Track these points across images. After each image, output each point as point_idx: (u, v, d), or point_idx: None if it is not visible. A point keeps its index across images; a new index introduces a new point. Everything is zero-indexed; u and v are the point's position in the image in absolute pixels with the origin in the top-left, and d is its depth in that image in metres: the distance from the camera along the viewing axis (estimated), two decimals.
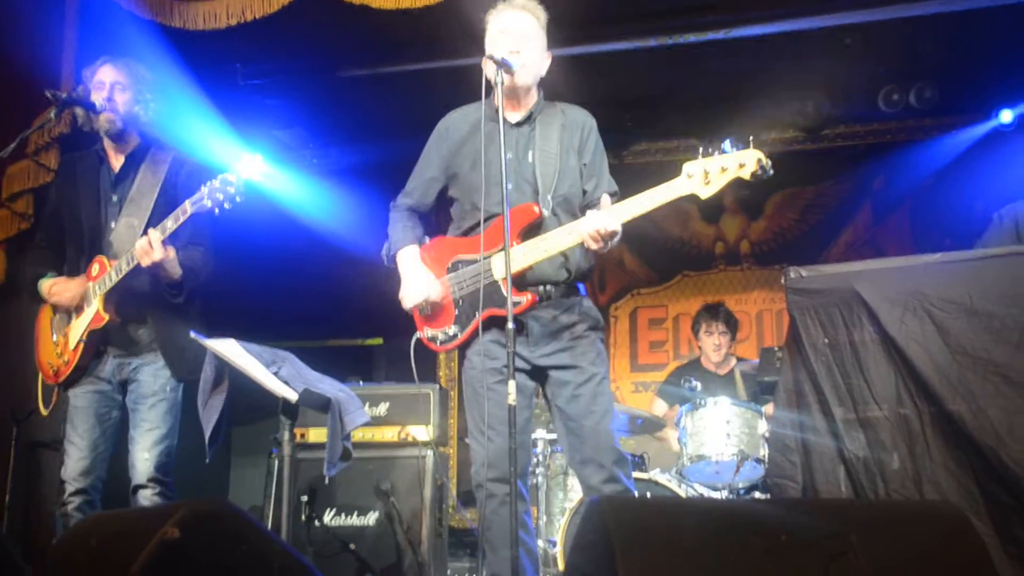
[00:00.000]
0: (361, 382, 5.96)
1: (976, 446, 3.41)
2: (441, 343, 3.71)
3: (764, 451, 5.22)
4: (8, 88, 5.51)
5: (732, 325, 6.56)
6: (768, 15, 6.33)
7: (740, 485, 5.41)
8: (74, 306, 4.21)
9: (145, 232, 4.01)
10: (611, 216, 3.36)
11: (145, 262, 3.94)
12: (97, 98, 4.19)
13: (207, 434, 4.01)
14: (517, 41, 3.59)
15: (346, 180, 7.80)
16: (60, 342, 4.24)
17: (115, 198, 4.25)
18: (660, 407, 6.50)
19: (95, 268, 4.16)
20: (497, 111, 3.50)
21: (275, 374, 3.88)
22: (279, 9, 5.38)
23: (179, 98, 5.62)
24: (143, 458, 4.06)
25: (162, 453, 4.09)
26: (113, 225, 4.21)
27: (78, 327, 4.17)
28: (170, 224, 3.95)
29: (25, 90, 5.29)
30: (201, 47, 5.70)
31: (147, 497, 4.04)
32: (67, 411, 4.18)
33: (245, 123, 6.96)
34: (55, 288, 4.23)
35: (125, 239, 4.12)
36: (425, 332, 3.75)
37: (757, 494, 5.37)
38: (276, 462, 5.05)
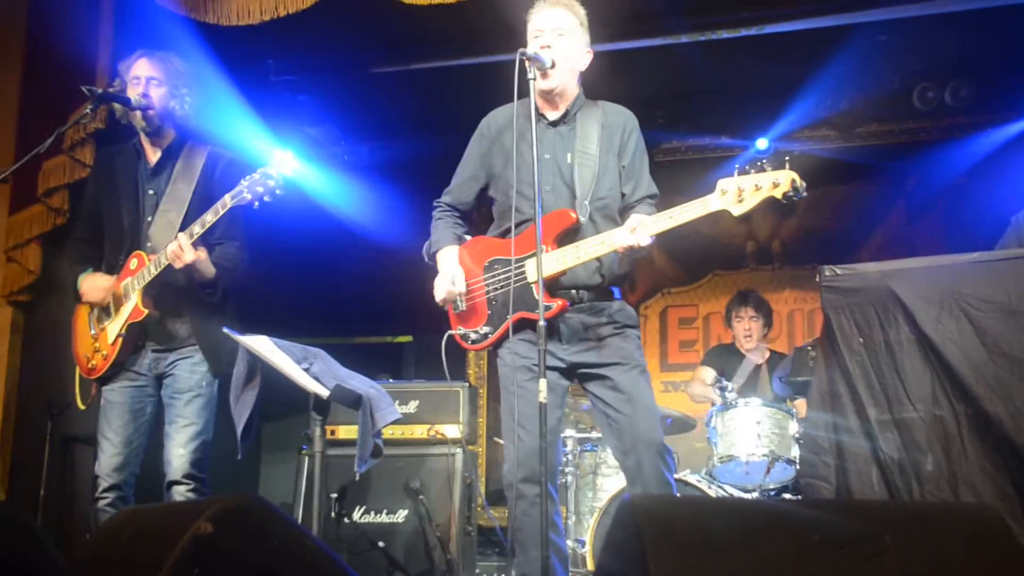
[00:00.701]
0: (391, 379, 5.98)
1: (1013, 448, 3.37)
2: (473, 342, 3.71)
3: (795, 452, 5.19)
4: (45, 83, 5.56)
5: (763, 310, 6.50)
6: (802, 11, 6.30)
7: (771, 486, 5.38)
8: (105, 303, 4.25)
9: (183, 228, 4.05)
10: (644, 231, 3.36)
11: (177, 265, 3.98)
12: (133, 93, 4.21)
13: (239, 430, 4.02)
14: (550, 36, 3.58)
15: (377, 177, 7.83)
16: (99, 336, 4.26)
17: (151, 192, 4.27)
18: (708, 374, 6.38)
19: (133, 262, 4.19)
20: (537, 111, 3.50)
21: (306, 370, 3.89)
22: (312, 5, 5.39)
23: (212, 93, 5.66)
24: (178, 454, 4.07)
25: (197, 449, 4.11)
26: (150, 219, 4.24)
27: (117, 321, 4.20)
28: (209, 218, 3.97)
29: (62, 85, 5.34)
30: (233, 43, 5.73)
31: (181, 493, 4.06)
32: (102, 406, 4.21)
33: (276, 119, 6.99)
34: (85, 285, 4.27)
35: (163, 233, 4.16)
36: (458, 330, 3.75)
37: (787, 495, 5.34)
38: (306, 459, 5.07)
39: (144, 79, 4.24)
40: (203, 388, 4.17)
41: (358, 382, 4.01)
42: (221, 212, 3.95)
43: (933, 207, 7.68)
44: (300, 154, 7.64)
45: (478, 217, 4.06)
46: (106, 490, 4.08)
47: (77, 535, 5.20)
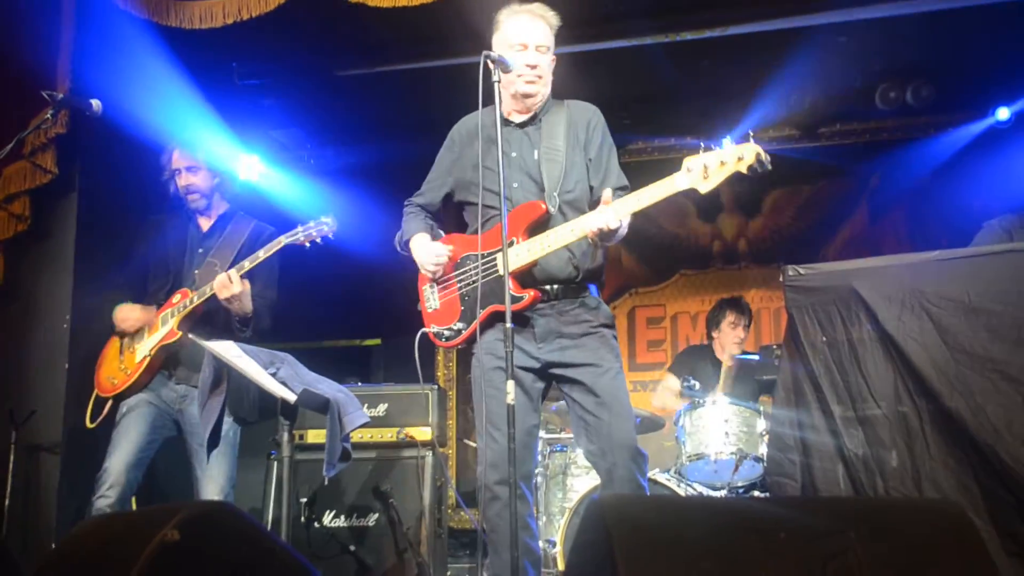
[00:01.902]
0: (359, 383, 5.96)
1: (975, 443, 3.41)
2: (446, 339, 3.72)
3: (763, 450, 5.23)
4: (4, 88, 5.50)
5: (751, 323, 6.56)
6: (764, 13, 6.34)
7: (739, 484, 5.41)
8: (136, 330, 4.46)
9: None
10: (613, 212, 3.36)
11: (223, 294, 4.24)
12: (179, 186, 4.60)
13: (206, 436, 4.03)
14: (534, 55, 3.61)
15: (343, 180, 7.80)
16: (126, 358, 4.44)
17: (201, 250, 4.57)
18: (675, 383, 6.40)
19: (176, 297, 4.44)
20: (502, 113, 3.52)
21: (273, 375, 3.88)
22: (275, 8, 5.37)
23: (175, 98, 5.63)
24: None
25: (230, 495, 4.35)
26: (197, 271, 4.50)
27: (148, 342, 4.40)
28: (261, 254, 4.28)
29: (21, 90, 5.29)
30: (197, 47, 5.69)
31: None
32: (124, 412, 4.37)
33: (241, 123, 6.95)
34: (120, 314, 4.49)
35: (207, 279, 4.39)
36: (431, 328, 3.75)
37: (756, 493, 5.38)
38: (275, 464, 5.05)
39: (183, 169, 4.59)
40: (231, 438, 4.34)
41: (326, 386, 4.00)
42: (274, 249, 4.29)
43: (896, 206, 7.77)
44: (265, 158, 7.61)
45: (446, 218, 4.07)
46: (110, 488, 4.16)
47: (42, 544, 5.14)
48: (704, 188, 3.28)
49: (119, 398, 4.39)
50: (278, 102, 7.34)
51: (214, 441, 4.09)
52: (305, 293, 7.84)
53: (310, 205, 7.69)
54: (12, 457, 5.12)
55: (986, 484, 3.40)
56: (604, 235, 3.40)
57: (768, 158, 3.21)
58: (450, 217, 4.05)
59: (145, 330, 4.45)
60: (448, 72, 6.39)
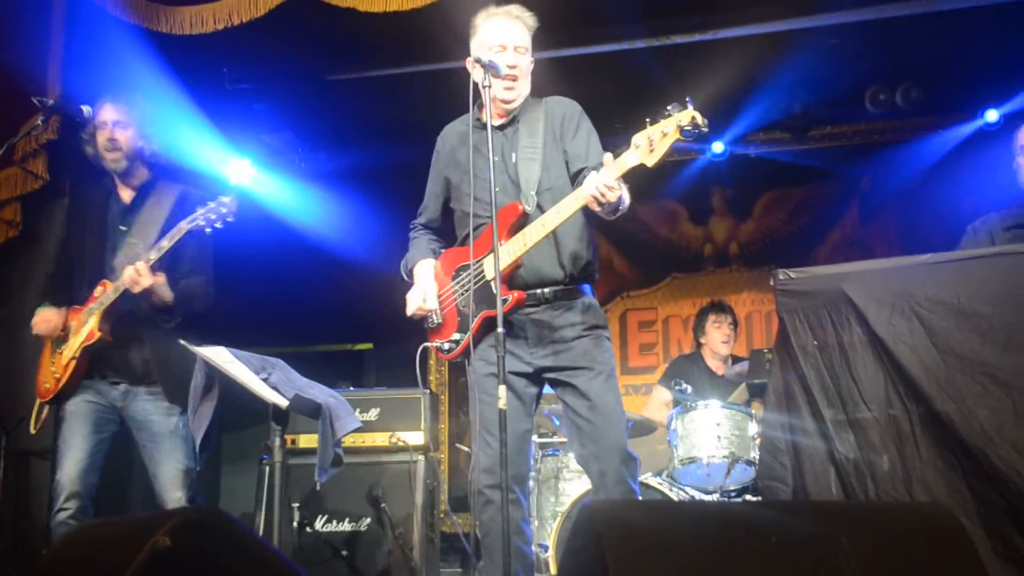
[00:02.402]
0: (351, 387, 5.96)
1: (965, 446, 3.41)
2: (448, 351, 3.72)
3: (755, 453, 5.23)
4: None
5: (736, 321, 6.58)
6: (754, 16, 6.36)
7: (731, 487, 5.41)
8: (55, 335, 4.28)
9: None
10: (600, 177, 3.31)
11: (135, 289, 4.04)
12: (101, 138, 4.28)
13: (198, 441, 4.03)
14: (512, 56, 3.61)
15: (334, 184, 7.81)
16: (56, 360, 4.27)
17: (123, 228, 4.33)
18: (666, 395, 6.41)
19: (98, 290, 4.23)
20: (482, 119, 3.52)
21: (265, 380, 3.87)
22: (266, 13, 5.38)
23: (166, 103, 5.62)
24: (176, 497, 4.12)
25: (190, 486, 4.18)
26: (119, 253, 4.28)
27: (72, 345, 4.21)
28: (165, 243, 4.05)
29: (11, 96, 5.28)
30: (188, 52, 5.70)
31: None
32: (63, 418, 4.21)
33: (233, 128, 6.96)
34: (36, 319, 4.30)
35: (129, 261, 4.17)
36: (434, 343, 3.76)
37: (748, 496, 5.38)
38: (267, 469, 5.04)
39: (110, 123, 4.29)
40: (181, 429, 4.20)
41: (317, 391, 4.00)
42: (176, 237, 4.04)
43: (886, 208, 7.80)
44: (257, 162, 7.61)
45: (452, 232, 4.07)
46: (68, 499, 4.05)
47: (33, 551, 5.13)
48: (651, 161, 3.28)
49: (55, 402, 4.23)
50: (269, 106, 7.34)
51: (206, 446, 4.07)
52: (296, 297, 7.86)
53: (301, 209, 7.71)
54: (2, 462, 5.11)
55: (976, 487, 3.41)
56: (604, 195, 3.30)
57: (705, 122, 3.22)
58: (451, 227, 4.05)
59: (71, 328, 4.25)
60: (439, 76, 6.40)
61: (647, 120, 3.29)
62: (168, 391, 4.18)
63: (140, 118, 4.35)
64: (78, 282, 4.34)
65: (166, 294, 4.15)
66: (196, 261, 4.30)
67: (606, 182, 3.28)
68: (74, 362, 4.18)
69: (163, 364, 4.20)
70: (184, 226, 4.03)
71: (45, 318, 4.28)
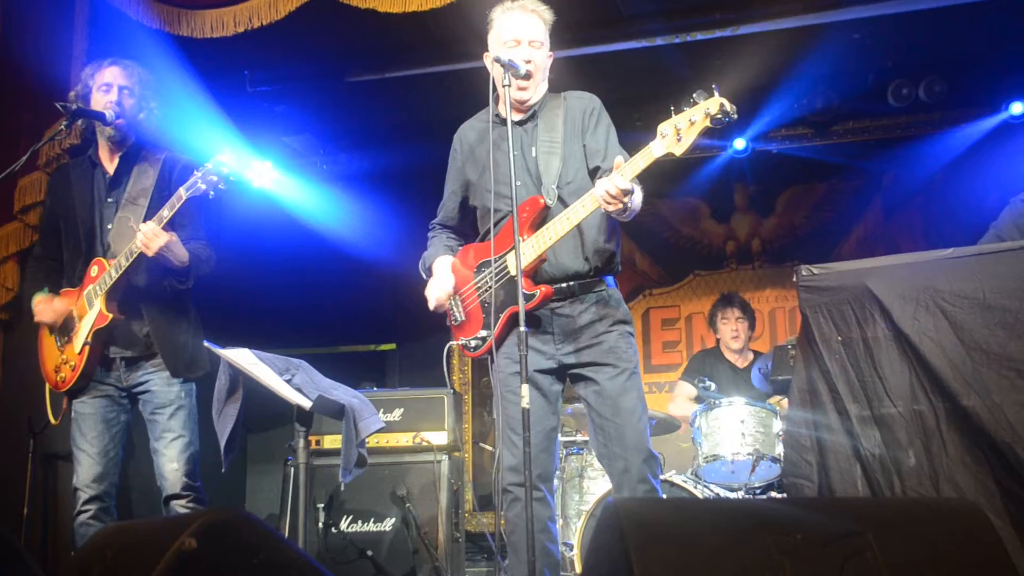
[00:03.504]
0: (375, 388, 5.97)
1: (992, 441, 3.39)
2: (474, 349, 3.71)
3: (779, 450, 5.21)
4: (19, 100, 5.54)
5: (748, 312, 6.55)
6: (776, 11, 6.33)
7: (756, 485, 5.40)
8: (58, 324, 4.23)
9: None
10: (619, 175, 3.29)
11: (150, 251, 3.93)
12: (102, 99, 4.21)
13: (223, 443, 4.02)
14: (527, 50, 3.61)
15: (357, 185, 7.83)
16: (64, 348, 4.23)
17: (110, 200, 4.27)
18: (690, 390, 6.40)
19: (94, 270, 4.17)
20: (500, 114, 3.52)
21: (289, 382, 3.89)
22: (286, 16, 5.39)
23: (188, 106, 5.65)
24: (172, 468, 4.08)
25: (190, 460, 4.13)
26: (110, 226, 4.23)
27: (82, 330, 4.16)
28: (166, 212, 3.97)
29: (35, 102, 5.32)
30: (209, 55, 5.73)
31: (182, 506, 4.06)
32: (73, 419, 4.20)
33: (254, 130, 7.00)
34: (37, 308, 4.26)
35: (123, 238, 4.14)
36: (459, 341, 3.77)
37: (773, 493, 5.36)
38: (292, 470, 5.06)
39: (116, 87, 4.23)
40: (183, 399, 4.17)
41: (341, 392, 4.01)
42: (177, 205, 3.95)
43: (909, 203, 7.75)
44: (279, 164, 7.64)
45: (468, 229, 4.06)
46: (87, 502, 4.06)
47: (61, 553, 5.17)
48: (679, 150, 3.26)
49: (72, 393, 4.20)
50: (291, 108, 7.37)
51: (230, 448, 4.07)
52: (319, 299, 7.89)
53: (324, 211, 7.73)
54: (30, 466, 5.15)
55: (1004, 483, 3.38)
56: (615, 198, 3.28)
57: (734, 108, 3.20)
58: (469, 225, 4.04)
59: (75, 313, 4.20)
60: (460, 76, 6.42)
61: (671, 108, 3.27)
62: (169, 362, 4.15)
63: (144, 88, 4.29)
64: (71, 260, 4.29)
65: (182, 252, 4.09)
66: (192, 227, 4.22)
67: (619, 185, 3.26)
68: (88, 347, 4.13)
69: (163, 335, 4.16)
70: (183, 193, 3.93)
71: (51, 307, 4.22)
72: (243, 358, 3.89)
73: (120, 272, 4.06)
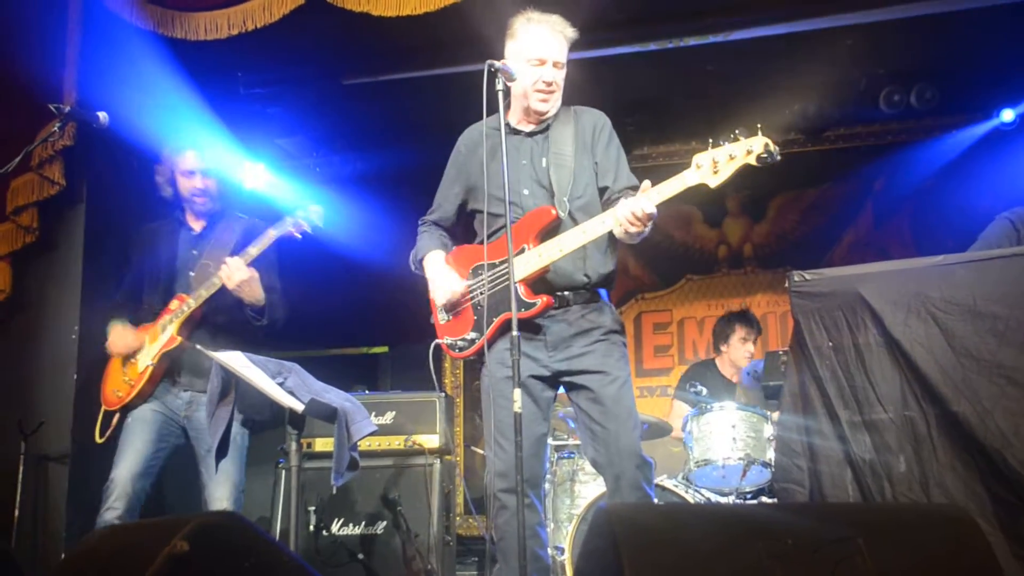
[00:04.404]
0: (367, 391, 5.96)
1: (982, 448, 3.41)
2: (460, 350, 3.71)
3: (770, 455, 5.22)
4: (12, 101, 5.53)
5: (760, 335, 6.57)
6: (768, 17, 6.35)
7: (747, 489, 5.40)
8: (128, 356, 4.41)
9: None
10: (646, 198, 3.32)
11: (235, 280, 4.19)
12: (188, 186, 4.53)
13: (214, 446, 4.04)
14: (552, 72, 3.62)
15: (349, 188, 7.81)
16: (129, 369, 4.39)
17: (195, 251, 4.51)
18: (683, 409, 6.41)
19: (174, 304, 4.39)
20: (510, 123, 3.53)
21: (281, 385, 3.89)
22: (280, 18, 5.40)
23: (181, 108, 5.65)
24: (223, 508, 4.18)
25: (239, 499, 4.28)
26: (191, 273, 4.46)
27: (149, 352, 4.35)
28: (252, 250, 4.24)
29: (28, 103, 5.31)
30: (202, 57, 5.72)
31: None
32: (127, 424, 4.32)
33: (248, 132, 6.98)
34: (112, 337, 4.44)
35: (202, 279, 4.35)
36: (444, 340, 3.76)
37: (764, 498, 5.37)
38: (283, 472, 5.06)
39: (199, 173, 4.53)
40: (239, 441, 4.28)
41: (333, 395, 4.01)
42: (266, 243, 4.26)
43: (901, 208, 7.78)
44: (272, 166, 7.63)
45: (461, 232, 4.06)
46: (118, 499, 4.12)
47: (52, 556, 5.16)
48: (714, 183, 3.29)
49: (125, 410, 4.35)
50: (284, 110, 7.35)
51: (223, 451, 4.09)
52: (312, 301, 7.86)
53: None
54: (21, 468, 5.14)
55: (994, 489, 3.40)
56: (639, 220, 3.32)
57: (777, 149, 3.23)
58: (460, 228, 4.04)
59: (146, 340, 4.40)
60: (454, 79, 6.41)
61: (710, 141, 3.28)
62: (239, 405, 4.20)
63: (221, 167, 4.62)
64: (148, 302, 4.48)
65: (259, 291, 4.31)
66: (270, 276, 4.46)
67: (645, 209, 3.29)
68: (150, 368, 4.32)
69: (237, 379, 4.23)
70: (273, 233, 4.24)
71: (123, 339, 4.41)
72: (235, 361, 3.89)
73: (199, 302, 4.28)
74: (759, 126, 3.24)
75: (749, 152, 3.22)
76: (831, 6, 6.24)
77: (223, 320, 4.39)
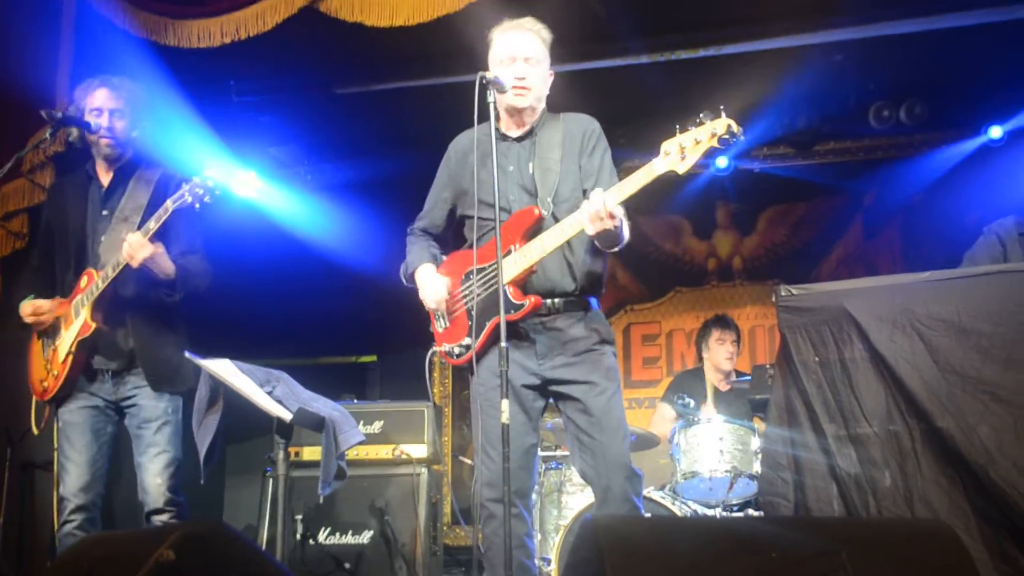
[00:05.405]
0: (355, 400, 5.97)
1: (966, 463, 3.42)
2: (458, 356, 3.70)
3: (757, 467, 5.23)
4: (3, 107, 5.53)
5: (740, 338, 6.57)
6: (760, 32, 6.38)
7: (733, 502, 5.41)
8: (46, 325, 4.26)
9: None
10: (607, 196, 3.34)
11: (135, 262, 3.97)
12: (92, 119, 4.24)
13: (202, 454, 4.03)
14: (522, 67, 3.64)
15: (340, 196, 7.82)
16: (50, 357, 4.25)
17: (104, 212, 4.29)
18: (669, 412, 6.41)
19: (83, 280, 4.19)
20: (500, 130, 3.55)
21: (269, 394, 3.89)
22: (273, 27, 5.41)
23: (173, 116, 5.65)
24: (156, 483, 4.07)
25: (173, 475, 4.12)
26: (102, 239, 4.25)
27: (67, 339, 4.18)
28: (152, 224, 4.00)
29: (20, 109, 5.31)
30: (195, 65, 5.73)
31: (164, 521, 4.05)
32: (60, 428, 4.19)
33: (239, 140, 6.98)
34: (26, 310, 4.27)
35: (113, 250, 4.14)
36: (443, 347, 3.75)
37: (751, 511, 5.38)
38: (271, 481, 5.05)
39: (107, 111, 4.28)
40: (170, 415, 4.16)
41: (321, 404, 4.02)
42: (164, 217, 3.98)
43: (890, 223, 7.81)
44: (263, 175, 7.63)
45: (451, 239, 4.07)
46: (74, 512, 4.05)
47: (38, 563, 5.14)
48: (682, 168, 3.32)
49: (55, 401, 4.21)
50: (276, 118, 7.36)
51: (209, 459, 4.07)
52: (301, 310, 7.88)
53: (307, 222, 7.73)
54: (7, 475, 5.12)
55: (978, 504, 3.42)
56: (601, 218, 3.33)
57: (740, 130, 3.26)
58: (452, 235, 4.05)
59: (62, 323, 4.23)
60: (445, 89, 6.43)
61: (676, 127, 3.31)
62: (149, 375, 4.14)
63: (135, 106, 4.34)
64: (62, 271, 4.32)
65: (167, 265, 4.11)
66: (187, 242, 4.25)
67: (607, 205, 3.31)
68: (71, 357, 4.15)
69: (145, 348, 4.16)
70: (170, 205, 3.97)
71: (37, 308, 4.25)
72: (224, 369, 3.89)
73: (106, 282, 4.07)
74: (721, 107, 3.26)
75: (713, 135, 3.25)
76: (822, 22, 6.28)
77: (132, 294, 4.18)
